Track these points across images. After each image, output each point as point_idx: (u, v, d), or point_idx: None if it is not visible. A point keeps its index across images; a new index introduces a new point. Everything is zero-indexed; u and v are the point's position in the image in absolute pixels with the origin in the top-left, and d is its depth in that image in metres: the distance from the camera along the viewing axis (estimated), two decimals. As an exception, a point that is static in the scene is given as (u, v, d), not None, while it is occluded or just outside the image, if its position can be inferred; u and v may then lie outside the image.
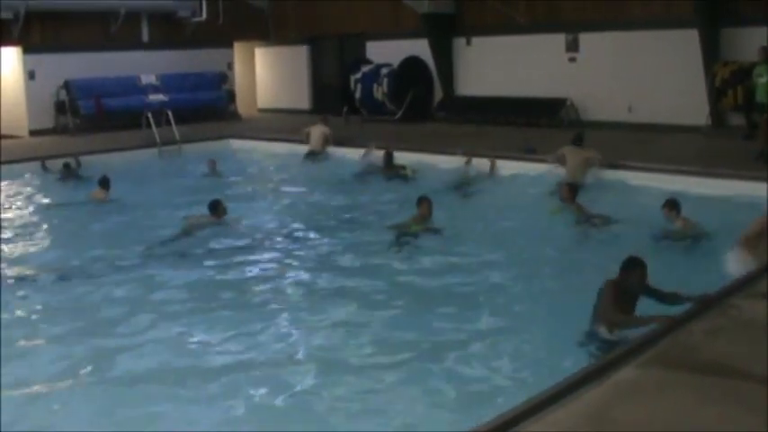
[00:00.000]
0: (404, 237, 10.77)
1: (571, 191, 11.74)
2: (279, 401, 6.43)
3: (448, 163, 15.57)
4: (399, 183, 14.82)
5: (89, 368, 7.09)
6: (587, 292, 7.16)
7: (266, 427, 6.07)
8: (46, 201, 14.97)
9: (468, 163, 15.17)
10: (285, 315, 8.38)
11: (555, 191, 12.60)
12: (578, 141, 14.20)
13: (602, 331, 6.81)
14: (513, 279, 9.36)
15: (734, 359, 5.66)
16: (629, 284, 6.87)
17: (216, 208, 11.79)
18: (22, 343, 7.74)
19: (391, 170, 15.22)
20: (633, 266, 6.90)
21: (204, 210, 11.92)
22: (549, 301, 8.49)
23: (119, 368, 7.06)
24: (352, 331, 7.83)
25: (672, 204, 10.51)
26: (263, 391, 6.59)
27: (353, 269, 9.94)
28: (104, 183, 14.07)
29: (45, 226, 12.98)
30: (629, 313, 6.84)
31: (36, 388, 6.77)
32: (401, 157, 16.21)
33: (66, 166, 16.63)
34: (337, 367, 7.01)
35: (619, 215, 11.48)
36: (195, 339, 7.73)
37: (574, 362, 6.28)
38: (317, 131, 18.27)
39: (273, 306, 8.68)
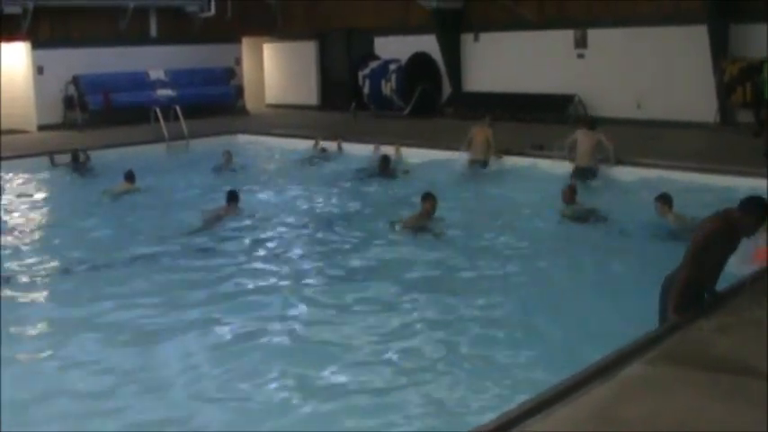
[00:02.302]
0: (419, 231, 10.89)
1: (572, 192, 11.93)
2: (286, 392, 6.47)
3: (455, 158, 15.61)
4: (396, 182, 14.84)
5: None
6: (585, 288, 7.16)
7: (280, 422, 6.09)
8: (66, 195, 15.14)
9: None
10: (294, 307, 8.46)
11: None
12: (591, 125, 14.38)
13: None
14: (518, 275, 9.41)
15: (741, 356, 5.65)
16: (740, 227, 6.26)
17: (234, 198, 12.09)
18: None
19: (387, 173, 15.17)
20: (756, 209, 6.25)
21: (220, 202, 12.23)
22: (550, 296, 8.53)
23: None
24: (362, 325, 7.88)
25: (664, 199, 10.57)
26: (272, 382, 6.65)
27: (360, 263, 10.00)
28: (130, 176, 14.20)
29: (74, 220, 13.03)
30: (715, 263, 6.37)
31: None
32: (408, 153, 16.31)
33: (75, 157, 16.73)
34: (349, 359, 7.06)
35: (623, 211, 11.61)
36: (208, 330, 7.80)
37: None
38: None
39: (282, 298, 8.73)
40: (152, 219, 12.53)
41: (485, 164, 15.38)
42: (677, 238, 10.03)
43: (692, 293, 6.35)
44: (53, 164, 17.14)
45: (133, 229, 11.84)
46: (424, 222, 11.10)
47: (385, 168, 15.14)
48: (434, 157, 16.27)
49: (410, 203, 12.19)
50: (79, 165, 16.72)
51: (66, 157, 16.89)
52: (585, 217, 11.44)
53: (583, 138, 14.15)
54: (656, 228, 10.45)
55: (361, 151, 17.18)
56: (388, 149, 16.55)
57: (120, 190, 14.11)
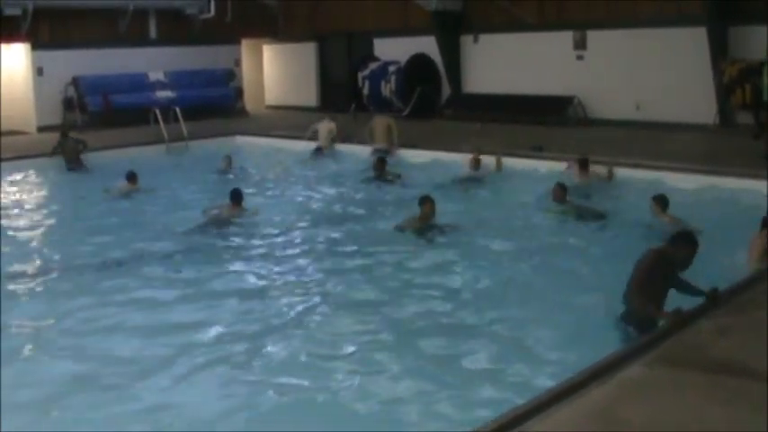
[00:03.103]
0: (417, 234, 10.85)
1: (562, 190, 11.91)
2: (285, 396, 6.47)
3: (455, 160, 15.61)
4: (393, 183, 14.81)
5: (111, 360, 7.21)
6: (577, 286, 7.32)
7: (275, 424, 6.09)
8: (66, 196, 15.23)
9: (475, 166, 15.13)
10: (295, 310, 8.43)
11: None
12: (584, 166, 13.78)
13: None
14: (514, 275, 9.45)
15: (740, 358, 5.66)
16: (674, 259, 6.76)
17: (237, 197, 12.11)
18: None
19: (383, 175, 15.10)
20: (686, 242, 6.80)
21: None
22: (544, 297, 8.57)
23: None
24: (364, 328, 7.89)
25: (659, 200, 10.58)
26: (269, 385, 6.65)
27: (363, 266, 9.94)
28: (132, 177, 14.21)
29: (73, 221, 13.06)
30: (658, 290, 6.69)
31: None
32: (407, 154, 16.33)
33: (64, 133, 17.19)
34: (349, 362, 7.07)
35: (618, 211, 11.67)
36: (205, 334, 7.80)
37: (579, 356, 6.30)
38: (324, 128, 18.34)
39: (284, 301, 8.72)
40: (154, 220, 12.53)
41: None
42: (664, 237, 10.08)
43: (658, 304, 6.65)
44: (53, 153, 17.26)
45: (134, 230, 11.84)
46: (423, 225, 11.05)
47: (381, 169, 15.09)
48: (433, 159, 16.27)
49: (408, 205, 12.19)
50: (67, 141, 17.05)
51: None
52: (577, 216, 11.48)
53: (578, 172, 13.78)
54: (650, 228, 10.46)
55: (360, 152, 17.18)
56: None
57: (123, 190, 14.12)
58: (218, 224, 11.73)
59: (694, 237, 6.90)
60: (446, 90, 23.49)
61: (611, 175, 13.83)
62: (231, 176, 15.91)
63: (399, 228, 11.12)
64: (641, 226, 10.64)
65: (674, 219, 10.41)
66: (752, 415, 4.81)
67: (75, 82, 22.80)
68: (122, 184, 14.23)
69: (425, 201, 11.17)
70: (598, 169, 13.80)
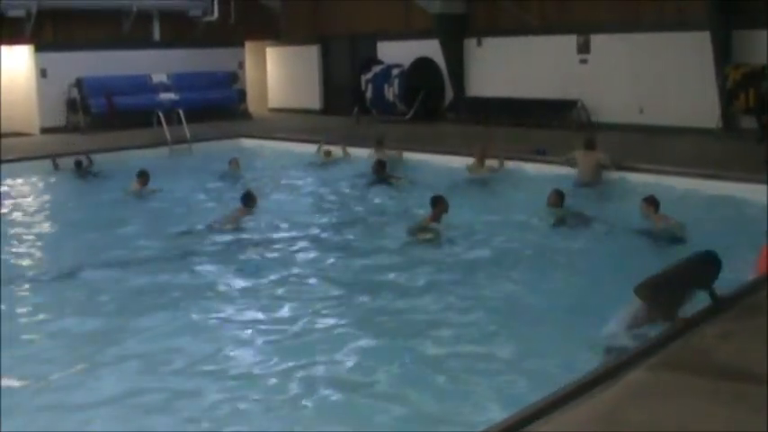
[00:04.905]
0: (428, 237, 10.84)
1: (558, 197, 11.89)
2: (289, 396, 6.48)
3: (459, 163, 15.62)
4: (393, 187, 14.77)
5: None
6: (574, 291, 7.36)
7: (276, 423, 6.10)
8: (69, 198, 15.29)
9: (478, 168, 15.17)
10: (299, 312, 8.44)
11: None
12: (590, 145, 14.26)
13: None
14: (514, 277, 9.49)
15: (745, 363, 5.64)
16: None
17: (249, 199, 12.08)
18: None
19: (382, 176, 15.08)
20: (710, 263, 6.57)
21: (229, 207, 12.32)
22: (543, 300, 8.59)
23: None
24: (368, 330, 7.88)
25: (650, 201, 10.56)
26: (271, 386, 6.65)
27: (367, 269, 9.97)
28: (142, 175, 14.20)
29: (76, 222, 13.03)
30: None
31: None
32: (410, 158, 16.31)
33: (78, 164, 16.73)
34: (351, 363, 7.08)
35: (615, 215, 11.70)
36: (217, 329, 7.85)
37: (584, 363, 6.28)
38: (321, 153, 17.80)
39: (289, 304, 8.72)
40: (162, 221, 12.52)
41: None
42: (659, 241, 10.08)
43: None
44: (56, 168, 17.14)
45: (139, 232, 11.84)
46: (431, 227, 10.99)
47: (381, 172, 15.06)
48: (436, 162, 16.28)
49: (410, 206, 12.18)
50: (82, 170, 16.72)
51: (70, 161, 16.91)
52: (573, 221, 11.46)
53: (582, 158, 14.11)
54: (644, 231, 10.45)
55: (363, 156, 17.19)
56: (392, 154, 16.58)
57: (133, 190, 14.11)
58: (228, 226, 11.71)
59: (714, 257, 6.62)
60: (449, 93, 23.49)
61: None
62: (239, 179, 15.91)
63: (409, 230, 11.08)
64: (638, 229, 10.63)
65: (667, 220, 10.41)
66: (755, 420, 4.80)
67: (79, 83, 22.83)
68: (133, 183, 14.24)
69: (439, 200, 11.05)
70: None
